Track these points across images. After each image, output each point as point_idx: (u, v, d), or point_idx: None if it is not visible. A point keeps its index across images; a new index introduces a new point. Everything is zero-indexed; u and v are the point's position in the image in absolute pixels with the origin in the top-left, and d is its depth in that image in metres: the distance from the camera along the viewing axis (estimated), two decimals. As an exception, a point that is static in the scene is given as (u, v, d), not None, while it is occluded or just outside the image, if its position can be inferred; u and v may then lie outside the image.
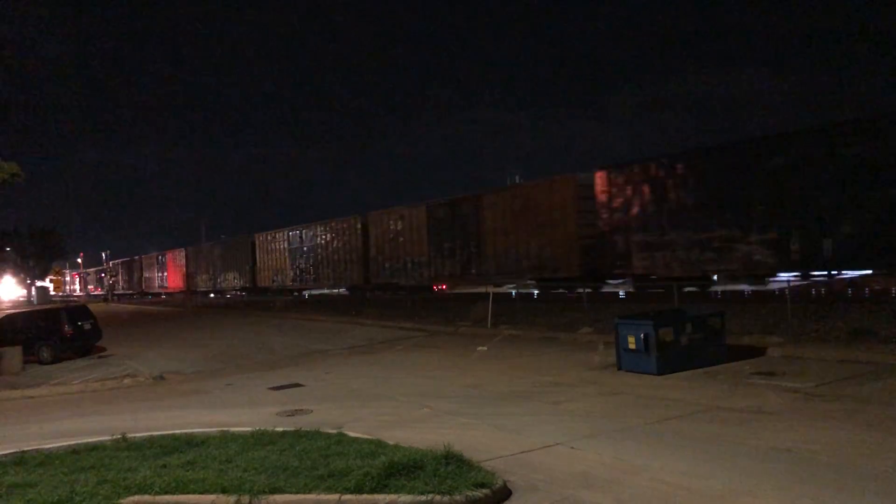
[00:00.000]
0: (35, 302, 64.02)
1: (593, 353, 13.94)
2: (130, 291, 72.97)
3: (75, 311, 22.42)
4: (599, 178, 21.87)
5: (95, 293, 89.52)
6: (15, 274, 72.67)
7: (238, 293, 50.13)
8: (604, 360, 12.85)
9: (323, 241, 38.11)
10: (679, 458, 6.56)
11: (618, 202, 21.17)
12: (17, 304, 60.26)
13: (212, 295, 52.82)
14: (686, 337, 11.47)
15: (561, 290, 22.81)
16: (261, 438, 7.44)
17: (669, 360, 11.17)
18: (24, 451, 7.52)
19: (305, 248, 39.81)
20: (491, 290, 22.18)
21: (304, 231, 40.14)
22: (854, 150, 15.58)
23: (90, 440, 7.89)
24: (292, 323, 27.25)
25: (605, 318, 16.83)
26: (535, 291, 25.20)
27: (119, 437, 7.82)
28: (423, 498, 5.30)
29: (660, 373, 10.98)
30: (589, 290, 21.03)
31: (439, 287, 31.26)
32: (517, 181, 26.53)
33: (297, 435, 7.49)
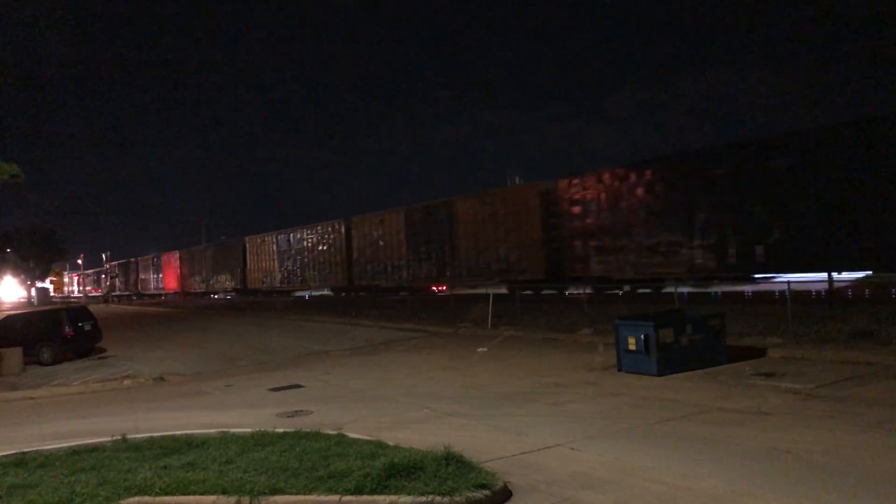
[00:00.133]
0: (35, 303, 64.02)
1: (594, 354, 13.94)
2: (127, 293, 73.83)
3: (76, 312, 22.44)
4: (561, 186, 23.31)
5: (93, 294, 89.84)
6: (15, 275, 72.66)
7: (231, 294, 51.10)
8: (604, 361, 12.85)
9: (309, 245, 39.52)
10: (679, 458, 6.57)
11: (577, 209, 22.63)
12: (17, 305, 60.24)
13: (214, 296, 53.14)
14: (686, 338, 11.47)
15: (529, 292, 23.92)
16: (261, 439, 7.44)
17: (670, 361, 11.17)
18: (24, 453, 7.52)
19: (293, 251, 41.19)
20: (491, 291, 22.23)
21: (291, 234, 41.48)
22: (783, 163, 16.97)
23: (90, 441, 7.89)
24: (292, 324, 27.25)
25: (605, 320, 16.83)
26: (505, 292, 26.05)
27: (119, 438, 7.82)
28: (424, 499, 5.30)
29: (660, 374, 10.98)
30: (554, 291, 22.29)
31: (439, 288, 31.58)
32: (517, 182, 26.77)
33: (298, 436, 7.49)
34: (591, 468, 6.38)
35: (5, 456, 7.44)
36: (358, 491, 5.45)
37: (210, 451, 7.03)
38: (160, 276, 65.25)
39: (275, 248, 43.39)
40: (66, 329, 20.22)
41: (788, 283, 14.98)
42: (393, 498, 5.34)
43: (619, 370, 11.71)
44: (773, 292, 18.92)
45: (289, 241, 41.73)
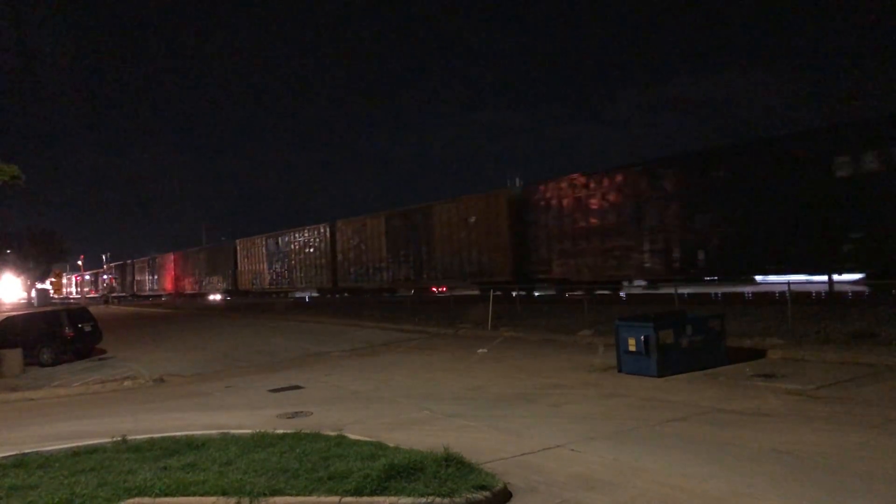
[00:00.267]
0: (35, 304, 64.05)
1: (593, 356, 13.93)
2: (123, 294, 74.58)
3: (76, 313, 22.45)
4: (527, 193, 24.98)
5: (92, 295, 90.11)
6: (16, 276, 72.65)
7: (224, 295, 52.48)
8: (604, 362, 12.85)
9: (296, 247, 41.07)
10: (679, 459, 6.56)
11: (542, 215, 24.20)
12: (17, 306, 60.25)
13: (214, 298, 53.45)
14: (686, 339, 11.46)
15: (498, 293, 24.83)
16: (261, 440, 7.44)
17: (670, 362, 11.17)
18: (24, 454, 7.51)
19: (281, 254, 42.72)
20: (491, 292, 22.30)
21: (280, 238, 43.02)
22: (722, 174, 18.57)
23: (90, 442, 7.89)
24: (292, 325, 27.23)
25: (605, 321, 16.83)
26: (477, 293, 27.67)
27: (119, 439, 7.81)
28: (424, 500, 5.29)
29: (660, 375, 10.98)
30: (524, 292, 23.69)
31: (439, 289, 31.97)
32: (517, 183, 27.15)
33: (298, 437, 7.48)
34: (591, 469, 6.38)
35: (5, 457, 7.43)
36: (358, 492, 5.45)
37: (210, 452, 7.03)
38: (155, 277, 66.48)
39: (264, 250, 44.77)
40: (66, 330, 20.23)
41: (788, 284, 15.01)
42: (393, 499, 5.34)
43: (619, 371, 11.70)
44: (773, 293, 18.95)
45: (277, 243, 43.11)
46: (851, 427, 7.47)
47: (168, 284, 62.99)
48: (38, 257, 70.61)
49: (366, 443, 7.12)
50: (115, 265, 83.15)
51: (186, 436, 7.88)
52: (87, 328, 21.25)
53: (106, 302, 70.23)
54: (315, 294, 41.33)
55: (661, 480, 5.95)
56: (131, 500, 5.67)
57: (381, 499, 5.37)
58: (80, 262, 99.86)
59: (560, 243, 23.54)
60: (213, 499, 5.55)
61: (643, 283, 22.20)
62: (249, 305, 42.18)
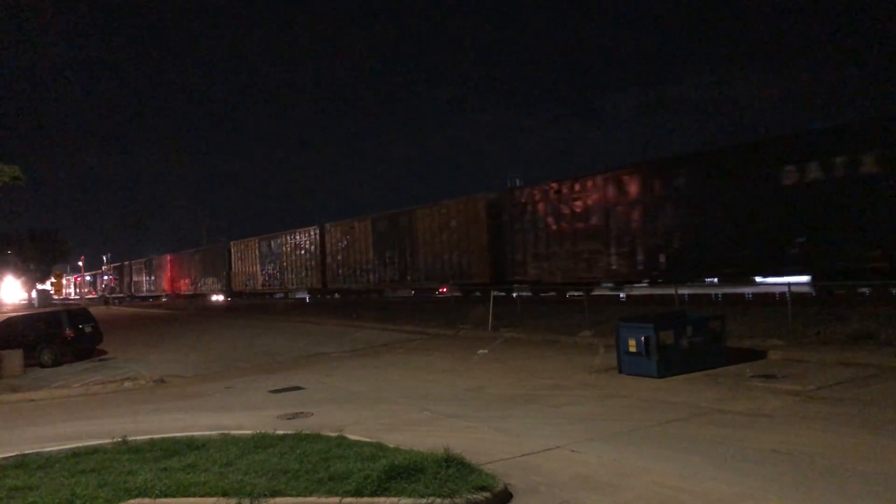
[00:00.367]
0: (36, 305, 64.08)
1: (594, 356, 13.93)
2: (121, 295, 75.36)
3: (76, 314, 22.45)
4: (503, 199, 26.15)
5: (91, 296, 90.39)
6: (16, 277, 72.68)
7: (220, 296, 53.50)
8: (604, 362, 12.85)
9: (288, 249, 42.23)
10: (680, 460, 6.56)
11: (517, 219, 25.28)
12: (18, 307, 60.29)
13: (214, 298, 53.75)
14: (687, 340, 11.46)
15: (477, 294, 26.04)
16: (261, 441, 7.43)
17: (670, 362, 11.17)
18: (24, 454, 7.51)
19: (273, 256, 43.97)
20: (492, 292, 22.33)
21: (272, 240, 44.25)
22: (682, 181, 19.61)
23: (91, 443, 7.88)
24: (292, 326, 27.23)
25: (605, 321, 16.83)
26: (458, 294, 29.09)
27: (119, 440, 7.81)
28: (424, 501, 5.29)
29: (660, 375, 10.98)
30: (503, 293, 24.34)
31: (440, 290, 32.53)
32: (517, 184, 27.42)
33: (298, 438, 7.48)
34: (591, 470, 6.38)
35: (5, 458, 7.43)
36: (358, 493, 5.44)
37: (210, 453, 7.02)
38: (152, 278, 67.53)
39: (257, 252, 46.01)
40: (67, 331, 20.24)
41: (789, 285, 15.02)
42: (393, 500, 5.34)
43: (620, 372, 11.70)
44: (773, 294, 18.97)
45: (270, 246, 44.41)
46: (852, 428, 7.47)
47: (164, 285, 63.96)
48: (38, 258, 70.66)
49: (366, 443, 7.12)
50: (113, 266, 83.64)
51: (187, 437, 7.88)
52: (88, 329, 21.26)
53: (106, 303, 70.35)
54: (306, 295, 42.51)
55: (661, 481, 5.95)
56: (132, 501, 5.66)
57: (381, 499, 5.37)
58: (80, 263, 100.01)
59: (534, 247, 24.56)
60: (213, 500, 5.54)
61: (610, 284, 23.21)
62: (249, 306, 42.22)
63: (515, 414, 9.29)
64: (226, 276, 51.15)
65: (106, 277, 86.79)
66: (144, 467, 6.61)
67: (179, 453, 7.12)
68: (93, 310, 28.42)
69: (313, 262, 39.43)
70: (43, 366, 19.31)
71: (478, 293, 26.05)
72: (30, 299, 71.73)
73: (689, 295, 20.03)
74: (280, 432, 7.88)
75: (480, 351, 16.22)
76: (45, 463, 7.10)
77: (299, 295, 43.57)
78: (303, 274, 40.66)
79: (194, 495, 5.66)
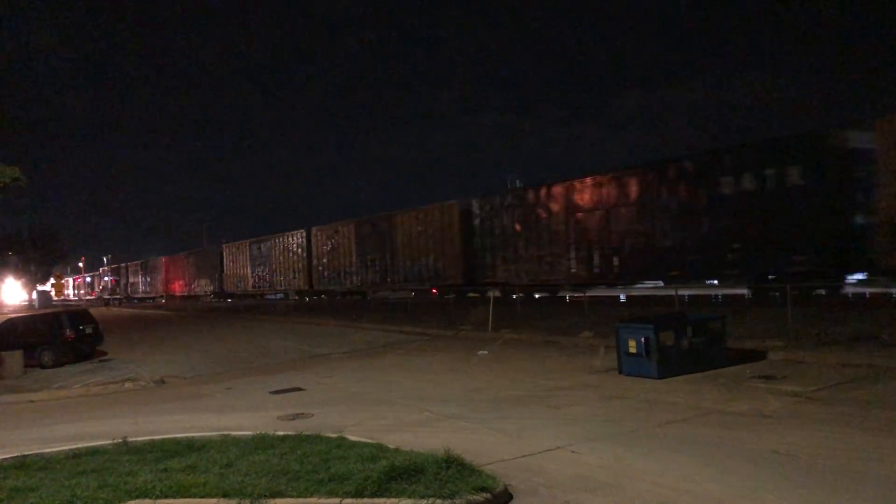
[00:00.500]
0: (37, 306, 64.09)
1: (594, 357, 13.94)
2: (118, 296, 76.19)
3: (76, 315, 22.42)
4: (475, 205, 27.96)
5: (90, 297, 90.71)
6: (17, 278, 72.66)
7: (212, 297, 54.87)
8: (604, 363, 12.85)
9: (276, 252, 43.85)
10: (680, 461, 6.57)
11: (486, 225, 27.31)
12: (18, 308, 60.30)
13: (213, 300, 54.05)
14: (687, 341, 11.46)
15: (452, 296, 27.44)
16: (262, 442, 7.43)
17: (670, 363, 11.17)
18: (25, 455, 7.51)
19: (263, 258, 45.64)
20: (492, 294, 22.39)
21: (262, 243, 45.95)
22: (634, 189, 21.43)
23: (91, 444, 7.88)
24: (292, 327, 27.24)
25: (605, 322, 16.83)
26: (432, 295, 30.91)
27: (120, 441, 7.81)
28: (424, 502, 5.29)
29: (660, 376, 10.98)
30: (476, 294, 26.07)
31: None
32: (517, 185, 27.77)
33: (298, 439, 7.48)
34: (591, 471, 6.38)
35: (6, 459, 7.43)
36: (359, 494, 5.45)
37: (211, 454, 7.02)
38: (148, 280, 68.53)
39: (248, 254, 47.72)
40: (67, 332, 20.22)
41: (788, 286, 15.02)
42: (394, 501, 5.34)
43: (620, 373, 11.70)
44: (773, 295, 18.96)
45: (260, 248, 46.25)
46: (851, 429, 7.47)
47: (160, 287, 65.46)
48: (39, 259, 70.62)
49: (366, 444, 7.12)
50: (111, 268, 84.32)
51: (187, 437, 7.89)
52: (88, 330, 21.23)
53: (106, 304, 70.44)
54: (294, 296, 43.92)
55: (661, 482, 5.96)
56: (132, 502, 5.67)
57: (381, 500, 5.37)
58: (80, 265, 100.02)
59: (503, 251, 26.36)
60: (213, 500, 5.55)
61: (569, 286, 24.64)
62: (249, 307, 42.22)
63: (515, 415, 9.30)
64: (218, 277, 52.66)
65: (106, 279, 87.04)
66: (145, 468, 6.61)
67: (180, 454, 7.12)
68: (92, 311, 28.42)
69: (300, 265, 40.95)
70: (43, 367, 19.29)
71: (453, 294, 27.63)
72: (30, 300, 71.69)
73: (689, 295, 20.15)
74: (280, 433, 7.88)
75: (480, 352, 16.23)
76: (45, 464, 7.10)
77: (284, 296, 44.95)
78: (291, 276, 42.14)
79: (195, 496, 5.66)
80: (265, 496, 5.49)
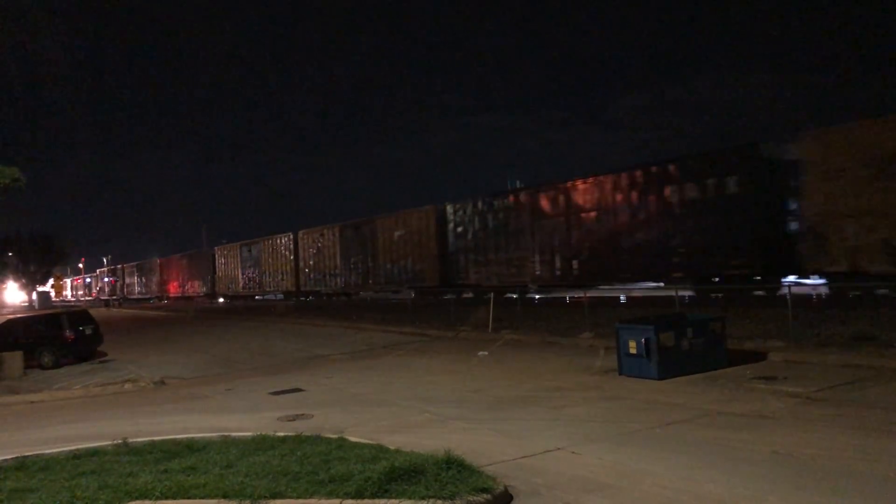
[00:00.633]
0: (37, 307, 64.12)
1: (594, 358, 13.93)
2: (115, 297, 77.05)
3: (76, 315, 22.42)
4: (449, 210, 29.26)
5: (88, 298, 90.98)
6: (17, 279, 72.65)
7: (203, 297, 56.30)
8: (605, 364, 12.84)
9: (266, 255, 45.08)
10: (680, 462, 6.56)
11: (460, 229, 28.75)
12: (18, 308, 60.32)
13: (219, 300, 54.42)
14: (687, 341, 11.45)
15: (431, 297, 29.04)
16: (262, 443, 7.43)
17: (670, 364, 11.16)
18: (25, 456, 7.51)
19: (253, 260, 46.91)
20: (491, 294, 22.36)
21: (253, 245, 47.22)
22: (591, 196, 22.99)
23: (91, 445, 7.88)
24: (292, 328, 27.23)
25: (605, 323, 16.81)
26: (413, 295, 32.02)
27: (120, 442, 7.81)
28: (425, 503, 5.29)
29: (661, 377, 10.97)
30: (453, 296, 26.61)
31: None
32: (517, 186, 28.15)
33: (298, 440, 7.48)
34: (592, 472, 6.37)
35: (6, 459, 7.43)
36: (359, 495, 5.44)
37: (211, 455, 7.02)
38: (143, 281, 69.63)
39: (239, 257, 48.94)
40: (67, 333, 20.22)
41: (789, 286, 15.04)
42: (394, 502, 5.34)
43: (620, 374, 11.69)
44: (774, 296, 18.97)
45: (250, 250, 47.56)
46: (852, 430, 7.46)
47: (154, 288, 66.73)
48: (39, 260, 70.60)
49: (367, 445, 7.11)
50: (109, 269, 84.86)
51: (187, 438, 7.88)
52: (88, 331, 21.23)
53: (106, 305, 70.46)
54: (281, 297, 45.11)
55: (661, 483, 5.95)
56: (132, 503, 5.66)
57: (381, 501, 5.37)
58: (80, 266, 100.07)
59: (474, 254, 27.82)
60: (214, 501, 5.54)
61: (534, 287, 25.95)
62: (249, 308, 42.25)
63: (516, 416, 9.29)
64: (210, 279, 54.05)
65: (105, 280, 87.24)
66: (145, 469, 6.61)
67: (180, 455, 7.12)
68: (92, 311, 28.41)
69: (288, 267, 42.19)
70: (43, 368, 19.28)
71: (430, 295, 29.25)
72: (30, 301, 71.69)
73: (689, 296, 20.10)
74: (281, 434, 7.87)
75: (481, 353, 16.22)
76: (45, 465, 7.10)
77: (276, 296, 46.03)
78: (279, 277, 43.39)
79: (195, 497, 5.66)
80: (265, 497, 5.49)
